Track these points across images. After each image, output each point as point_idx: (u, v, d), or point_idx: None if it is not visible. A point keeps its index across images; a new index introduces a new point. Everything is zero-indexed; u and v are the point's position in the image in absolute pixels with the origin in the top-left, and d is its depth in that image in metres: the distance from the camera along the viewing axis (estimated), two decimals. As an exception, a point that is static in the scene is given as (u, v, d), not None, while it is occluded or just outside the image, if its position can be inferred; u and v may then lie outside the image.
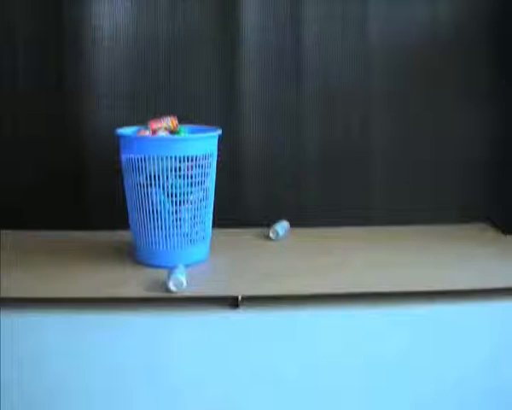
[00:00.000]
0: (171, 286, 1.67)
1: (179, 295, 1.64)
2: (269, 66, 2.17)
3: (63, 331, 1.53)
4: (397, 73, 2.20)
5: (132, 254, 1.91)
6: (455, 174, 2.26)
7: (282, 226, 2.12)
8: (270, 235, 2.10)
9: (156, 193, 1.80)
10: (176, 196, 1.80)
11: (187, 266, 1.83)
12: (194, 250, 1.86)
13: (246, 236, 2.13)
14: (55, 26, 2.10)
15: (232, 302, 1.64)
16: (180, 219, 1.82)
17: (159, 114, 2.00)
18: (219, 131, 1.90)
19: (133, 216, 1.87)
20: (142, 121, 1.96)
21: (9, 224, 2.12)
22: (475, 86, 2.21)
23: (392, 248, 2.02)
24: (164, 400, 1.27)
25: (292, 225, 2.16)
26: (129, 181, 1.84)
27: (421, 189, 2.25)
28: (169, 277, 1.68)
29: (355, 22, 2.17)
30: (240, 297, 1.64)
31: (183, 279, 1.67)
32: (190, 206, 1.82)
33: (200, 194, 1.84)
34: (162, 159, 1.77)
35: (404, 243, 2.07)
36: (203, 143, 1.84)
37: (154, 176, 1.79)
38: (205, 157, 1.83)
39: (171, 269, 1.72)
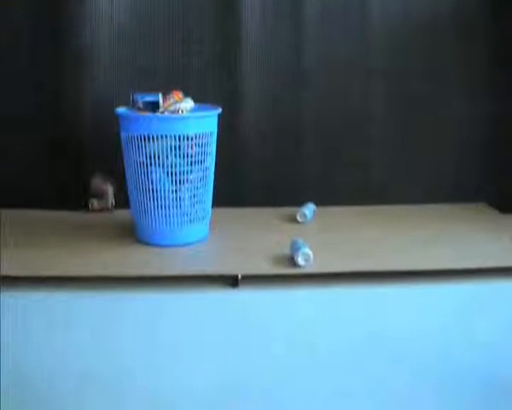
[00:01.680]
0: (300, 261, 1.68)
1: (174, 273, 1.66)
2: (270, 52, 2.16)
3: (71, 309, 1.55)
4: (397, 50, 2.20)
5: (133, 234, 1.92)
6: (451, 154, 2.26)
7: (309, 209, 2.10)
8: (298, 218, 2.07)
9: (156, 172, 1.80)
10: (176, 174, 1.80)
11: (186, 244, 1.85)
12: (193, 229, 1.87)
13: (248, 216, 2.14)
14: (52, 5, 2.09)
15: (232, 281, 1.66)
16: (180, 199, 1.82)
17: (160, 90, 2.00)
18: (219, 110, 1.89)
19: (133, 195, 1.87)
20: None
21: (9, 203, 2.12)
22: (474, 68, 2.21)
23: (395, 228, 2.04)
24: (163, 375, 1.28)
25: (293, 204, 2.17)
26: (129, 160, 1.85)
27: (418, 168, 2.26)
28: (296, 251, 1.69)
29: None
30: (240, 276, 1.65)
31: (311, 253, 1.68)
32: (190, 185, 1.83)
33: (200, 173, 1.84)
34: (162, 137, 1.77)
35: (399, 222, 2.09)
36: (203, 122, 1.83)
37: (154, 155, 1.79)
38: (204, 136, 1.83)
39: (293, 244, 1.73)
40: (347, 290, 1.66)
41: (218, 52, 2.15)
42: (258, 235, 1.95)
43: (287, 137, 2.20)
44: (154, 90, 1.94)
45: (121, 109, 1.89)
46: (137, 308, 1.57)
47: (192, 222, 1.86)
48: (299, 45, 2.16)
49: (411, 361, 1.33)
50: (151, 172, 1.80)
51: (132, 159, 1.82)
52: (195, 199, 1.85)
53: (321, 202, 2.18)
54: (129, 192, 1.90)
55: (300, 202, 2.14)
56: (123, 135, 1.85)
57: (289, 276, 1.68)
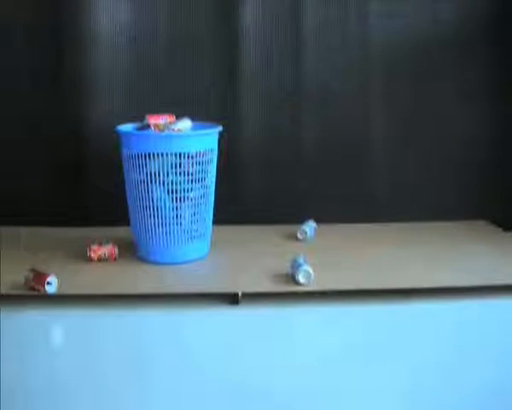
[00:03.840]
0: (301, 279, 1.67)
1: (173, 291, 1.65)
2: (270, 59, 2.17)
3: (73, 327, 1.54)
4: (397, 70, 2.21)
5: (132, 251, 1.91)
6: (454, 172, 2.26)
7: (310, 226, 2.08)
8: (298, 236, 2.06)
9: (156, 190, 1.80)
10: (176, 192, 1.80)
11: (186, 262, 1.84)
12: (193, 247, 1.86)
13: (248, 233, 2.14)
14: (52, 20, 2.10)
15: (232, 299, 1.65)
16: (180, 216, 1.82)
17: (158, 109, 2.01)
18: (220, 128, 1.90)
19: (133, 212, 1.87)
20: (141, 117, 1.96)
21: (8, 220, 2.12)
22: (475, 85, 2.22)
23: (395, 245, 2.03)
24: (161, 395, 1.27)
25: (293, 222, 2.16)
26: (129, 177, 1.85)
27: (421, 186, 2.26)
28: (297, 269, 1.69)
29: (356, 20, 2.17)
30: (240, 294, 1.64)
31: (312, 271, 1.67)
32: (190, 203, 1.83)
33: (201, 191, 1.84)
34: (162, 155, 1.77)
35: (407, 239, 2.08)
36: (203, 140, 1.84)
37: (155, 172, 1.79)
38: (205, 154, 1.83)
39: (293, 262, 1.73)
40: (348, 308, 1.65)
41: (217, 78, 2.16)
42: (259, 252, 1.94)
43: (287, 154, 2.20)
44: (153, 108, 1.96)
45: (122, 127, 1.90)
46: (136, 326, 1.56)
47: (192, 240, 1.85)
48: (298, 64, 2.17)
49: (414, 380, 1.32)
50: (151, 190, 1.80)
51: (132, 176, 1.82)
52: (196, 217, 1.85)
53: (322, 219, 2.17)
54: (129, 209, 1.89)
55: (301, 220, 2.13)
56: (123, 152, 1.85)
57: (290, 294, 1.67)
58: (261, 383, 1.30)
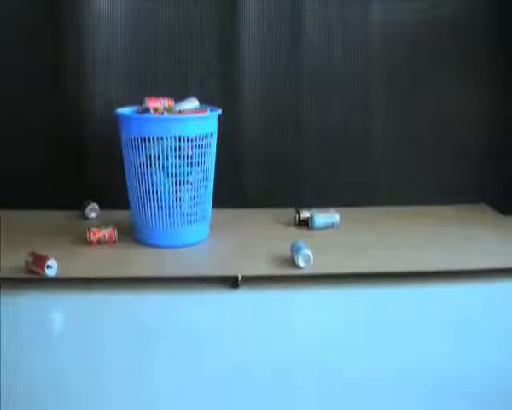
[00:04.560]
0: (301, 262, 1.68)
1: (173, 275, 1.65)
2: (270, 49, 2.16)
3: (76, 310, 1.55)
4: (398, 53, 2.20)
5: (132, 234, 1.91)
6: (454, 156, 2.26)
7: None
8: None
9: (156, 173, 1.79)
10: (176, 175, 1.79)
11: (186, 245, 1.84)
12: (193, 230, 1.86)
13: (248, 216, 2.13)
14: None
15: (232, 282, 1.65)
16: (180, 200, 1.82)
17: (158, 93, 2.00)
18: (219, 111, 1.89)
19: (133, 196, 1.86)
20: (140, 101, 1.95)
21: (8, 203, 2.12)
22: (476, 67, 2.21)
23: (397, 229, 2.03)
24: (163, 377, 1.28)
25: (292, 205, 2.16)
26: (129, 161, 1.84)
27: (421, 170, 2.26)
28: (297, 253, 1.69)
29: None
30: (240, 277, 1.65)
31: (311, 254, 1.68)
32: (190, 186, 1.82)
33: (200, 174, 1.84)
34: (162, 138, 1.77)
35: (400, 223, 2.08)
36: (203, 123, 1.83)
37: (154, 156, 1.78)
38: (204, 137, 1.82)
39: (293, 245, 1.73)
40: (347, 292, 1.65)
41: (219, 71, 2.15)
42: (259, 236, 1.94)
43: (286, 137, 2.20)
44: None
45: (121, 110, 1.89)
46: (136, 309, 1.56)
47: (192, 223, 1.85)
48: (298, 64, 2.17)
49: (414, 362, 1.32)
50: (151, 174, 1.80)
51: (132, 160, 1.82)
52: (195, 200, 1.84)
53: (320, 203, 2.17)
54: (128, 193, 1.89)
55: (300, 203, 2.13)
56: (123, 136, 1.84)
57: (289, 277, 1.68)
58: (260, 365, 1.30)
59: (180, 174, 1.80)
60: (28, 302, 1.58)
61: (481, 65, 2.21)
